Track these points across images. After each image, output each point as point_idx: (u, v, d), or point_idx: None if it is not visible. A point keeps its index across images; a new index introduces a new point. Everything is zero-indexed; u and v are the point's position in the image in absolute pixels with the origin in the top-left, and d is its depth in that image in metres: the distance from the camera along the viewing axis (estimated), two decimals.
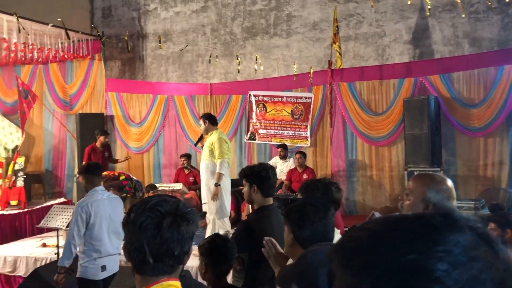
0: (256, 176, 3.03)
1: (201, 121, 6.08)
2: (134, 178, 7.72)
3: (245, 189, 3.11)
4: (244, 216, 6.68)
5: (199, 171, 8.14)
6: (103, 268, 4.00)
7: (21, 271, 5.82)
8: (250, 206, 6.39)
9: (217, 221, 5.91)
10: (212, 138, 5.86)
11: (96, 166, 4.29)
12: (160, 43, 8.03)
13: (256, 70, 8.37)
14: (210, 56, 8.76)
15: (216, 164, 5.76)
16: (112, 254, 4.10)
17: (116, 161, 8.50)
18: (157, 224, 1.36)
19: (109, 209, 4.07)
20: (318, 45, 8.82)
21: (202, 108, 8.96)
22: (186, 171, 8.09)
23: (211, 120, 6.00)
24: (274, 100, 8.54)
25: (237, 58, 8.38)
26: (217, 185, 5.72)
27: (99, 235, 3.98)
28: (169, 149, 9.32)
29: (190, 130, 8.94)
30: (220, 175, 5.72)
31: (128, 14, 10.17)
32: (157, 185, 7.54)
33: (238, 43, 9.38)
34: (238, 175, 8.30)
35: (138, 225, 1.37)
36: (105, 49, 9.42)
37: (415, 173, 2.21)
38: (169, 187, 7.68)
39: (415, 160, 7.16)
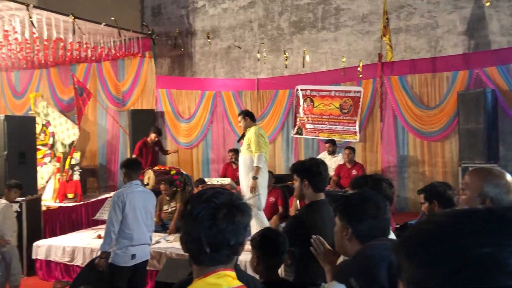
0: (307, 171, 3.01)
1: (240, 118, 6.17)
2: (184, 172, 7.87)
3: (296, 184, 3.10)
4: (292, 212, 6.65)
5: None
6: (133, 256, 4.35)
7: (79, 261, 6.07)
8: (298, 201, 6.37)
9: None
10: (249, 134, 5.93)
11: (136, 163, 4.63)
12: (209, 39, 8.11)
13: (304, 64, 8.31)
14: (259, 52, 8.78)
15: (254, 158, 5.81)
16: (143, 244, 4.45)
17: (166, 152, 8.69)
18: (213, 215, 1.40)
19: (142, 201, 4.41)
20: (367, 38, 8.64)
21: (249, 104, 9.01)
22: (234, 166, 8.16)
23: (250, 116, 6.11)
24: (321, 95, 8.45)
25: (285, 53, 8.35)
26: (254, 178, 5.77)
27: (131, 225, 4.31)
28: (217, 144, 9.44)
29: (237, 126, 8.99)
30: (257, 169, 5.76)
31: (177, 11, 10.36)
32: (206, 179, 7.65)
33: (285, 38, 9.35)
34: (289, 170, 8.34)
35: (195, 216, 1.41)
36: (155, 46, 9.66)
37: (470, 169, 2.14)
38: (217, 181, 7.78)
39: (470, 156, 6.88)
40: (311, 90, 8.53)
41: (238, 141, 6.67)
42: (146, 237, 4.51)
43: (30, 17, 6.65)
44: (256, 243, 2.65)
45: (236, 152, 8.23)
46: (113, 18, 7.96)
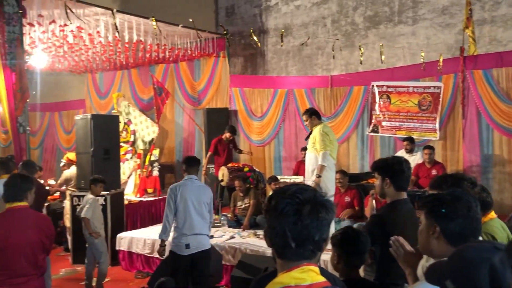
0: (389, 169, 2.91)
1: (305, 117, 6.13)
2: (257, 170, 7.95)
3: (377, 182, 3.01)
4: (367, 212, 6.50)
5: None
6: (187, 246, 4.64)
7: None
8: (374, 201, 6.21)
9: None
10: (315, 132, 5.90)
11: (193, 159, 4.90)
12: (282, 39, 8.11)
13: (381, 60, 8.06)
14: (333, 49, 8.65)
15: (318, 156, 5.76)
16: (197, 234, 4.69)
17: (240, 151, 8.83)
18: (297, 210, 1.42)
19: (196, 194, 4.70)
20: (447, 31, 8.21)
21: (322, 101, 8.91)
22: None
23: (316, 114, 6.07)
24: (399, 91, 8.16)
25: (360, 49, 8.15)
26: (318, 176, 5.72)
27: (183, 215, 4.65)
28: (289, 142, 9.43)
29: None
30: (321, 167, 5.71)
31: (250, 11, 10.48)
32: (278, 177, 7.68)
33: (359, 33, 9.14)
34: (363, 169, 8.14)
35: (279, 211, 1.43)
36: (229, 46, 9.84)
37: None
38: (290, 179, 7.78)
39: None
40: (388, 86, 8.26)
41: (306, 139, 6.67)
42: (200, 228, 4.73)
43: (115, 21, 7.01)
44: (337, 241, 2.62)
45: None
46: (190, 20, 8.21)
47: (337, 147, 6.22)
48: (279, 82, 9.58)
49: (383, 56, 8.04)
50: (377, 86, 8.34)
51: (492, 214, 2.99)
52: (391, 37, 8.76)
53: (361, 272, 2.80)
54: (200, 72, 10.37)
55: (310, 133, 6.20)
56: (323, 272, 1.65)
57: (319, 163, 5.77)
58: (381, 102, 8.29)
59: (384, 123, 8.29)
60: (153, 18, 7.51)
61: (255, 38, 8.44)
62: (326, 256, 3.80)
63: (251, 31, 8.59)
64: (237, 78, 10.06)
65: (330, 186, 5.91)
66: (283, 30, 8.63)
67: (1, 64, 6.22)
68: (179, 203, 4.67)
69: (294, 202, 1.43)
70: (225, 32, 9.53)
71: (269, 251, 5.51)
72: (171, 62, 10.24)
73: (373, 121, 8.41)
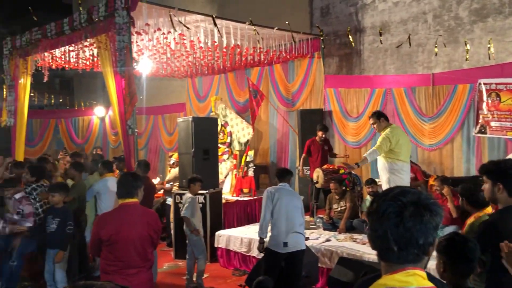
0: (503, 173, 2.72)
1: (371, 120, 6.26)
2: (353, 172, 7.78)
3: (487, 186, 2.82)
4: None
5: (418, 166, 7.76)
6: (285, 244, 4.92)
7: (255, 252, 6.46)
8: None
9: None
10: (382, 135, 6.04)
11: (287, 172, 5.39)
12: (380, 36, 7.87)
13: (490, 56, 7.48)
14: (435, 45, 8.20)
15: (387, 161, 5.95)
16: (295, 233, 4.97)
17: (335, 156, 8.71)
18: (399, 212, 1.40)
19: (291, 198, 5.13)
20: None
21: (423, 100, 8.47)
22: None
23: (384, 117, 6.21)
24: (510, 88, 7.50)
25: (465, 44, 7.64)
26: (356, 164, 6.16)
27: (281, 215, 4.97)
28: None
29: (410, 124, 8.54)
30: (364, 158, 6.05)
31: (346, 10, 10.30)
32: (376, 180, 7.44)
33: (464, 28, 8.56)
34: (469, 172, 7.61)
35: (381, 213, 1.42)
36: (323, 47, 9.76)
37: None
38: None
39: None
40: (497, 84, 7.63)
41: None
42: (296, 227, 5.00)
43: (216, 27, 7.28)
44: (443, 247, 2.48)
45: None
46: (287, 22, 8.27)
47: (409, 149, 6.33)
48: (377, 81, 9.29)
49: (491, 52, 7.45)
50: (484, 83, 7.74)
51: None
52: (501, 30, 8.10)
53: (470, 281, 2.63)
54: (294, 73, 10.41)
55: None
56: (431, 278, 1.59)
57: (364, 154, 6.20)
58: (490, 101, 7.68)
59: (493, 124, 7.67)
60: (252, 24, 7.68)
61: (350, 37, 8.29)
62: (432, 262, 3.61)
63: (348, 30, 8.43)
64: (332, 78, 9.94)
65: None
66: (381, 28, 8.36)
67: (113, 71, 6.76)
68: (275, 203, 5.01)
69: (395, 205, 1.41)
70: (321, 32, 9.48)
71: (367, 256, 5.38)
72: (266, 64, 10.41)
73: (480, 121, 7.82)
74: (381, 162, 6.08)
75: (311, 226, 7.29)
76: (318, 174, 7.58)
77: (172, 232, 7.62)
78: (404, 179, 5.95)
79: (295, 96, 10.31)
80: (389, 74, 9.45)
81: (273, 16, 10.05)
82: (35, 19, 7.76)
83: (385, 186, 6.02)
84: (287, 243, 4.92)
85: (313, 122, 9.15)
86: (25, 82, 8.95)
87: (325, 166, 7.82)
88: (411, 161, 7.75)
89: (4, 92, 9.30)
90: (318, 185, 7.64)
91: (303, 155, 8.42)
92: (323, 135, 8.39)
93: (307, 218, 7.74)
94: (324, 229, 7.08)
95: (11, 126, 9.11)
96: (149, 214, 3.84)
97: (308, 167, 8.43)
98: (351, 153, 9.06)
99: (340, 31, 10.09)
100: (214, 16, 7.44)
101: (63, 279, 5.36)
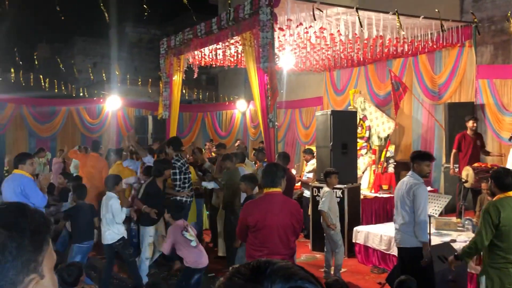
0: None
1: None
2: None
3: None
4: None
5: None
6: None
7: (395, 251, 6.21)
8: None
9: None
10: None
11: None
12: None
13: None
14: None
15: None
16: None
17: (487, 153, 7.96)
18: None
19: None
20: None
21: None
22: None
23: None
24: None
25: None
26: None
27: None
28: None
29: None
30: None
31: None
32: None
33: None
34: None
35: None
36: (476, 34, 8.94)
37: None
38: None
39: None
40: None
41: (510, 140, 5.73)
42: None
43: (359, 19, 7.13)
44: None
45: None
46: (437, 10, 7.75)
47: None
48: None
49: None
50: None
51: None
52: None
53: None
54: (441, 64, 9.71)
55: None
56: None
57: None
58: None
59: None
60: (396, 14, 7.37)
61: (506, 24, 7.46)
62: None
63: (508, 14, 7.60)
64: (485, 68, 9.05)
65: None
66: None
67: (256, 67, 7.04)
68: None
69: None
70: (474, 20, 8.69)
71: None
72: (409, 55, 9.88)
73: None
74: None
75: (458, 228, 6.78)
76: (468, 173, 7.00)
77: (310, 224, 7.70)
78: None
79: (442, 88, 9.62)
80: None
81: (418, 4, 9.49)
82: (194, 19, 8.43)
83: None
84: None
85: (462, 116, 8.44)
86: (178, 79, 9.81)
87: (476, 164, 7.19)
88: None
89: (160, 88, 10.29)
90: (467, 185, 7.06)
91: (454, 150, 7.84)
92: (474, 125, 7.70)
93: (453, 219, 7.22)
94: (473, 232, 6.51)
95: (166, 119, 10.07)
96: (292, 204, 3.94)
97: (457, 165, 7.82)
98: (506, 151, 8.18)
99: (496, 16, 9.13)
100: (356, 7, 7.28)
101: None
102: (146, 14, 7.67)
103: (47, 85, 13.96)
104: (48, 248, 1.05)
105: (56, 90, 14.81)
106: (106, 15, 7.39)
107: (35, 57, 15.52)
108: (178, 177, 6.61)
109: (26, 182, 5.27)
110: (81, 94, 15.94)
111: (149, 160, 7.48)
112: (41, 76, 13.68)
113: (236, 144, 12.48)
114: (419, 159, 4.72)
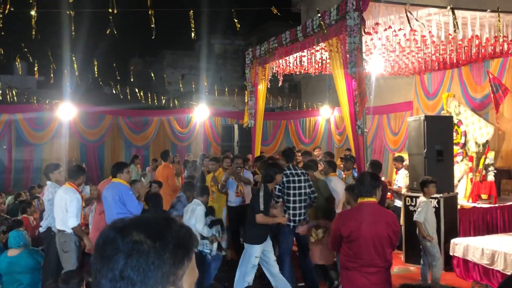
0: None
1: None
2: None
3: None
4: None
5: None
6: None
7: (500, 266, 5.75)
8: None
9: None
10: None
11: None
12: None
13: None
14: None
15: None
16: None
17: None
18: None
19: None
20: None
21: None
22: None
23: None
24: None
25: None
26: None
27: None
28: None
29: None
30: None
31: None
32: None
33: None
34: None
35: None
36: None
37: None
38: None
39: None
40: None
41: None
42: None
43: (454, 18, 6.75)
44: None
45: None
46: None
47: None
48: None
49: None
50: None
51: None
52: None
53: None
54: None
55: None
56: None
57: None
58: None
59: None
60: (498, 11, 6.87)
61: None
62: None
63: None
64: None
65: None
66: None
67: (343, 72, 6.92)
68: None
69: None
70: None
71: None
72: (510, 54, 9.15)
73: None
74: None
75: None
76: None
77: (402, 234, 7.38)
78: None
79: None
80: None
81: None
82: (276, 28, 8.50)
83: None
84: None
85: None
86: (263, 88, 9.93)
87: None
88: None
89: (246, 97, 10.48)
90: None
91: None
92: None
93: None
94: None
95: (251, 127, 10.22)
96: (389, 215, 3.79)
97: None
98: None
99: None
100: (451, 7, 6.89)
101: None
102: (238, 27, 7.81)
103: (141, 97, 14.83)
104: (190, 264, 1.07)
105: (149, 102, 15.69)
106: (193, 32, 7.62)
107: (130, 71, 16.58)
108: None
109: (124, 190, 5.61)
110: (171, 104, 16.73)
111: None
112: (136, 89, 14.56)
113: (316, 152, 11.95)
114: None
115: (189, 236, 1.09)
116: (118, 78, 12.76)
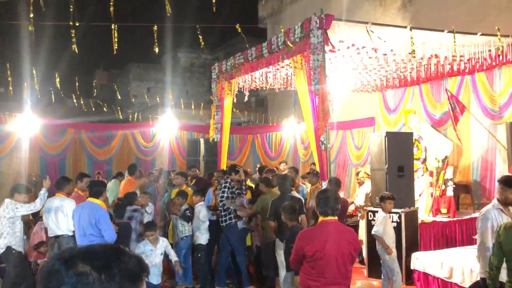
0: None
1: None
2: None
3: None
4: None
5: None
6: None
7: (457, 279, 5.89)
8: None
9: None
10: None
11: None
12: None
13: None
14: None
15: None
16: None
17: None
18: None
19: None
20: None
21: None
22: None
23: None
24: None
25: None
26: None
27: None
28: None
29: None
30: None
31: None
32: None
33: None
34: None
35: None
36: None
37: None
38: None
39: None
40: None
41: None
42: None
43: (411, 39, 6.95)
44: None
45: None
46: (497, 27, 7.44)
47: None
48: None
49: None
50: None
51: None
52: None
53: None
54: (501, 82, 9.27)
55: None
56: None
57: None
58: None
59: None
60: (453, 32, 7.14)
61: None
62: None
63: None
64: None
65: None
66: None
67: (307, 89, 7.01)
68: None
69: None
70: None
71: None
72: (466, 73, 9.53)
73: None
74: None
75: None
76: None
77: (364, 249, 7.48)
78: None
79: (503, 107, 9.15)
80: None
81: (475, 20, 9.18)
82: (247, 45, 8.56)
83: None
84: None
85: None
86: (229, 102, 9.95)
87: None
88: None
89: (212, 112, 10.46)
90: None
91: None
92: None
93: None
94: None
95: (217, 141, 10.20)
96: (349, 232, 3.83)
97: None
98: None
99: None
100: (410, 26, 7.12)
101: None
102: (202, 44, 7.81)
103: (105, 110, 14.57)
104: None
105: (115, 115, 15.43)
106: (156, 47, 7.55)
107: (94, 84, 16.29)
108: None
109: (102, 215, 5.27)
110: (136, 118, 16.50)
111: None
112: (99, 102, 14.30)
113: (282, 167, 11.99)
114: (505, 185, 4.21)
115: (139, 266, 1.07)
116: (78, 92, 12.50)
